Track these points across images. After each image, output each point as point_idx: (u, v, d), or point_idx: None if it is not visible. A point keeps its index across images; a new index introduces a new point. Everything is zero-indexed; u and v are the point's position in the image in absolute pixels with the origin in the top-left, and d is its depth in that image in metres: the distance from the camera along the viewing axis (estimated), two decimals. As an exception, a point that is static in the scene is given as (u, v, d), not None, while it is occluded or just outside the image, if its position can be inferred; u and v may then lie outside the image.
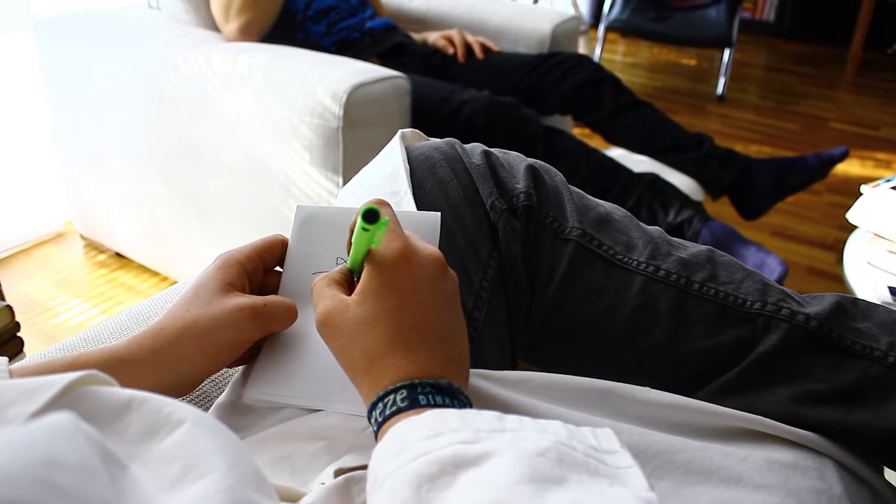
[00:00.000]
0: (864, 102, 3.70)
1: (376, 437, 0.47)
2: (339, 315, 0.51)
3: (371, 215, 0.48)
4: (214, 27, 1.87)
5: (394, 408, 0.46)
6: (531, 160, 0.73)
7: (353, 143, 1.50)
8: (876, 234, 1.22)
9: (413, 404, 0.46)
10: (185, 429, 0.41)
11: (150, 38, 1.81)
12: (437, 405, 0.46)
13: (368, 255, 0.52)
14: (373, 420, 0.48)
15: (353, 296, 0.51)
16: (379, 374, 0.49)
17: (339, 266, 0.56)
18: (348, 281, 0.55)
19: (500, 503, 0.35)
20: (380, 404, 0.47)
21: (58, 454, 0.32)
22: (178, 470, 0.39)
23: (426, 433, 0.41)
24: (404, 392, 0.47)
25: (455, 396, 0.48)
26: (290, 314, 0.60)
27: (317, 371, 0.60)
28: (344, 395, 0.58)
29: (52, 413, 0.36)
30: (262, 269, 0.64)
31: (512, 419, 0.42)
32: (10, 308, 1.19)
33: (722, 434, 0.60)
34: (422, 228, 0.63)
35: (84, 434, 0.35)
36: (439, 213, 0.64)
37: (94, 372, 0.42)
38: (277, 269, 0.66)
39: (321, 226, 0.66)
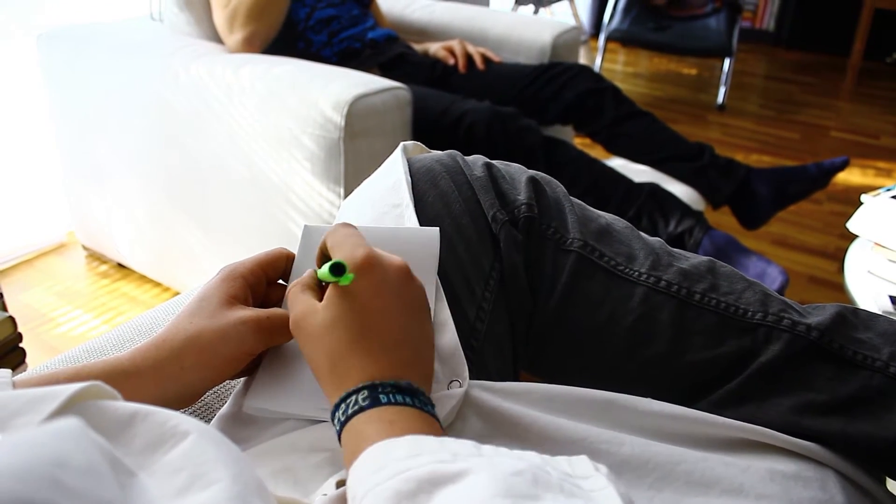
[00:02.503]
0: (865, 111, 3.71)
1: (339, 438, 0.49)
2: (307, 318, 0.53)
3: (338, 269, 0.52)
4: (217, 39, 1.88)
5: (356, 407, 0.48)
6: (532, 172, 0.73)
7: (354, 153, 1.50)
8: (877, 244, 1.22)
9: (374, 403, 0.48)
10: (191, 440, 0.41)
11: (152, 50, 1.82)
12: (397, 403, 0.48)
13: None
14: (335, 420, 0.50)
15: (323, 301, 0.53)
16: (342, 376, 0.51)
17: (309, 272, 0.58)
18: (320, 287, 0.57)
19: None
20: (342, 405, 0.49)
21: (66, 455, 0.32)
22: (184, 479, 0.39)
23: (405, 453, 0.42)
24: (365, 392, 0.49)
25: (415, 395, 0.50)
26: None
27: (317, 383, 0.60)
28: None
29: (61, 418, 0.36)
30: (265, 282, 0.64)
31: (488, 447, 0.43)
32: (12, 319, 1.20)
33: (723, 445, 0.60)
34: (421, 243, 0.63)
35: (91, 439, 0.35)
36: (438, 229, 0.64)
37: (99, 383, 0.43)
38: (280, 282, 0.66)
39: None
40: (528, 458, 0.42)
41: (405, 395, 0.49)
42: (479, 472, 0.39)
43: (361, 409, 0.48)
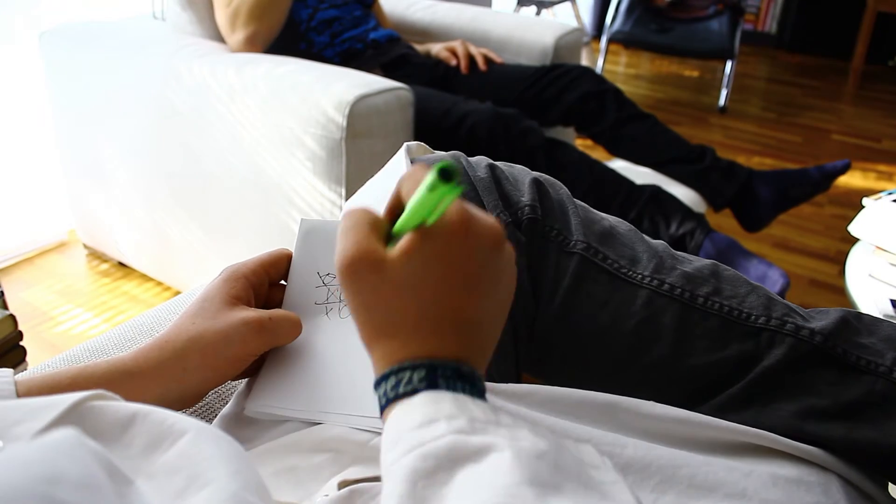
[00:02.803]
0: (866, 114, 3.71)
1: (382, 413, 0.44)
2: (370, 266, 0.44)
3: (447, 174, 0.40)
4: (219, 38, 1.88)
5: (409, 387, 0.42)
6: (536, 174, 0.73)
7: (356, 154, 1.50)
8: (878, 247, 1.22)
9: (430, 387, 0.42)
10: (188, 439, 0.41)
11: (154, 49, 1.82)
12: (454, 390, 0.42)
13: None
14: (381, 393, 0.44)
15: (395, 252, 0.44)
16: (398, 345, 0.44)
17: (379, 216, 0.48)
18: (385, 234, 0.47)
19: (504, 498, 0.33)
20: (392, 377, 0.43)
21: (60, 470, 0.32)
22: (181, 481, 0.39)
23: (420, 420, 0.39)
24: (423, 372, 0.43)
25: (474, 383, 0.44)
26: (295, 328, 0.60)
27: (319, 385, 0.60)
28: (346, 409, 0.58)
29: (57, 429, 0.36)
30: (267, 282, 0.64)
31: (506, 415, 0.41)
32: (13, 317, 1.20)
33: (726, 449, 0.60)
34: None
35: (88, 449, 0.35)
36: None
37: (101, 392, 0.43)
38: (282, 282, 0.66)
39: (325, 240, 0.66)
40: (546, 437, 0.39)
41: (465, 382, 0.43)
42: (502, 450, 0.36)
43: (415, 391, 0.42)
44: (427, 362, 0.43)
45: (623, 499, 0.37)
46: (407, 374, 0.43)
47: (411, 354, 0.43)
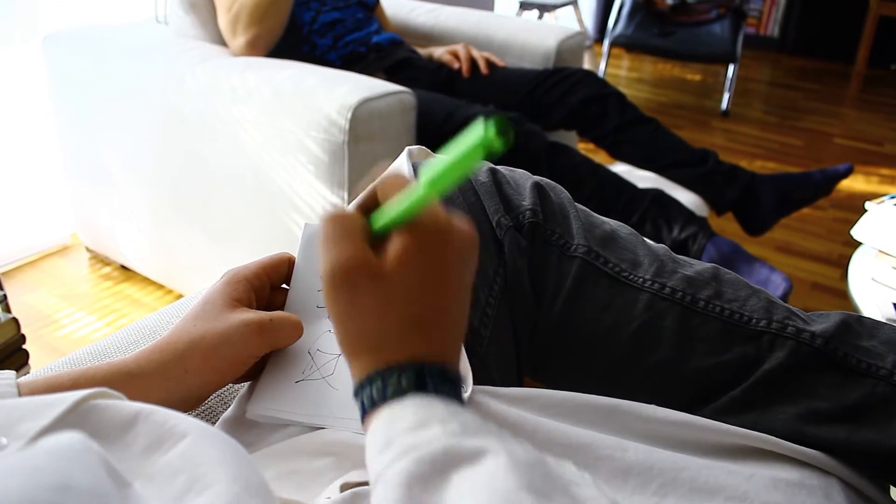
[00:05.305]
0: (869, 118, 3.71)
1: (364, 417, 0.43)
2: (362, 274, 0.43)
3: (502, 127, 0.37)
4: (222, 42, 1.88)
5: (395, 388, 0.42)
6: (537, 177, 0.73)
7: (358, 157, 1.50)
8: (880, 251, 1.22)
9: (418, 388, 0.41)
10: (189, 440, 0.41)
11: (157, 53, 1.82)
12: (440, 393, 0.42)
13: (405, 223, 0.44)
14: (364, 397, 0.43)
15: (390, 261, 0.43)
16: (381, 345, 0.43)
17: (355, 213, 0.46)
18: (368, 235, 0.46)
19: None
20: (378, 380, 0.42)
21: (70, 478, 0.32)
22: (182, 483, 0.39)
23: (411, 423, 0.38)
24: (411, 374, 0.42)
25: (456, 386, 0.44)
26: (296, 330, 0.60)
27: (321, 389, 0.60)
28: (347, 413, 0.58)
29: (62, 431, 0.36)
30: (268, 286, 0.64)
31: (492, 424, 0.40)
32: (15, 320, 1.20)
33: (727, 452, 0.60)
34: None
35: (95, 455, 0.35)
36: None
37: (104, 390, 0.43)
38: (284, 286, 0.66)
39: None
40: (530, 449, 0.39)
41: (450, 384, 0.43)
42: (497, 455, 0.36)
43: (402, 393, 0.41)
44: (416, 365, 0.42)
45: None
46: (394, 377, 0.42)
47: (396, 358, 0.43)
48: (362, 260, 0.43)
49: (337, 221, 0.45)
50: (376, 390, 0.42)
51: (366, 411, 0.42)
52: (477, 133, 0.36)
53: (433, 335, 0.44)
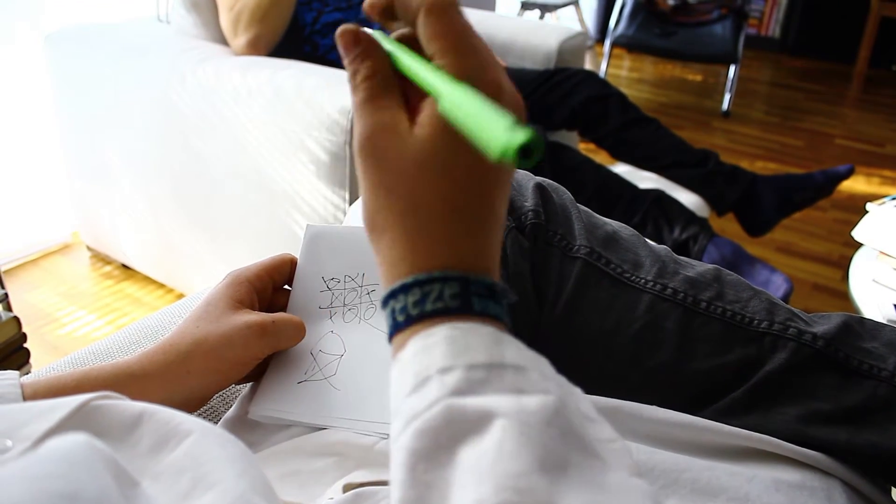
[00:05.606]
0: (870, 119, 3.71)
1: (393, 335, 0.36)
2: (391, 139, 0.37)
3: None
4: (223, 41, 1.88)
5: (440, 303, 0.35)
6: (539, 178, 0.73)
7: (359, 157, 1.50)
8: (882, 252, 1.22)
9: (464, 307, 0.35)
10: (194, 439, 0.42)
11: (158, 52, 1.82)
12: (487, 314, 0.36)
13: (451, 72, 0.37)
14: (397, 308, 0.36)
15: (419, 122, 0.37)
16: (422, 247, 0.36)
17: (382, 68, 0.39)
18: (400, 89, 0.39)
19: (511, 494, 0.29)
20: (416, 290, 0.36)
21: (78, 486, 0.32)
22: (187, 482, 0.39)
23: (412, 382, 0.34)
24: (456, 287, 0.35)
25: (502, 302, 0.37)
26: (299, 332, 0.60)
27: (323, 389, 0.60)
28: (350, 414, 0.58)
29: (67, 433, 0.36)
30: (271, 287, 0.64)
31: (513, 346, 0.35)
32: (16, 319, 1.20)
33: (729, 453, 0.60)
34: None
35: (100, 456, 0.35)
36: None
37: (107, 393, 0.43)
38: (286, 287, 0.66)
39: (330, 245, 0.66)
40: (552, 382, 0.35)
41: (496, 301, 0.37)
42: (504, 421, 0.32)
43: (447, 311, 0.35)
44: (459, 274, 0.36)
45: (623, 462, 0.34)
46: (436, 288, 0.35)
47: (438, 262, 0.36)
48: (387, 124, 0.37)
49: (359, 88, 0.39)
50: (412, 302, 0.36)
51: (398, 327, 0.36)
52: (498, 132, 0.29)
53: (478, 234, 0.37)
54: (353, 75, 0.39)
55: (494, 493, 0.29)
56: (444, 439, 0.32)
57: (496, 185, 0.37)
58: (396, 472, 0.32)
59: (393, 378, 0.35)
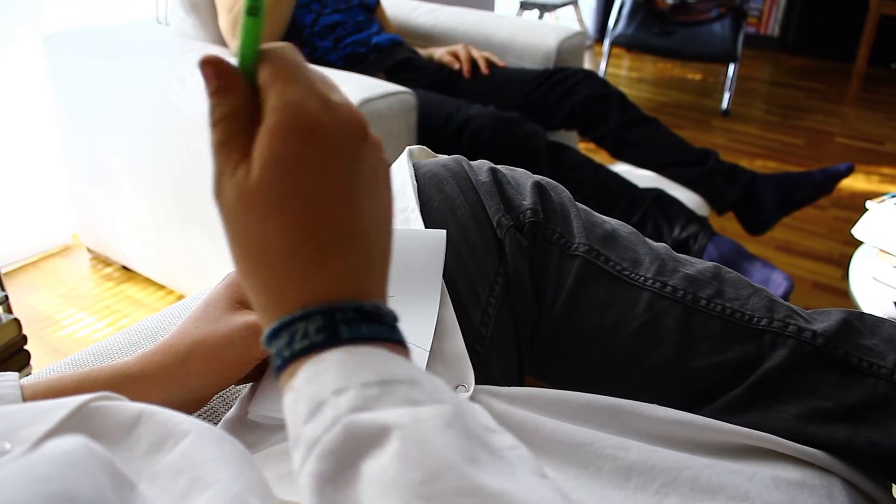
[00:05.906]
0: (869, 117, 3.70)
1: (279, 374, 0.36)
2: (234, 186, 0.36)
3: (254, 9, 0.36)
4: (222, 43, 1.88)
5: (306, 341, 0.35)
6: (538, 177, 0.73)
7: (359, 157, 1.50)
8: (882, 250, 1.22)
9: (331, 339, 0.34)
10: (191, 440, 0.42)
11: (158, 53, 1.82)
12: (361, 338, 0.35)
13: (272, 105, 0.36)
14: (275, 353, 0.36)
15: (252, 161, 0.36)
16: (280, 288, 0.36)
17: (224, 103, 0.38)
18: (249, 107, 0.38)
19: (421, 501, 0.29)
20: (284, 333, 0.35)
21: (73, 488, 0.32)
22: (184, 483, 0.39)
23: (307, 407, 0.33)
24: (319, 320, 0.35)
25: (382, 321, 0.36)
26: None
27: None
28: None
29: (65, 435, 0.36)
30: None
31: (401, 364, 0.35)
32: (17, 321, 1.20)
33: (729, 451, 0.60)
34: (427, 245, 0.63)
35: (97, 459, 0.35)
36: (445, 231, 0.64)
37: (106, 394, 0.43)
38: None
39: None
40: (444, 392, 0.35)
41: (371, 322, 0.36)
42: (404, 429, 0.31)
43: (314, 347, 0.34)
44: (321, 307, 0.35)
45: (530, 467, 0.34)
46: (300, 327, 0.35)
47: (298, 300, 0.36)
48: (223, 169, 0.37)
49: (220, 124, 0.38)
50: (284, 345, 0.35)
51: (280, 369, 0.36)
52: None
53: (331, 258, 0.36)
54: (211, 111, 0.38)
55: (403, 502, 0.29)
56: (346, 458, 0.31)
57: (349, 204, 0.36)
58: (306, 499, 0.32)
59: (287, 407, 0.35)
